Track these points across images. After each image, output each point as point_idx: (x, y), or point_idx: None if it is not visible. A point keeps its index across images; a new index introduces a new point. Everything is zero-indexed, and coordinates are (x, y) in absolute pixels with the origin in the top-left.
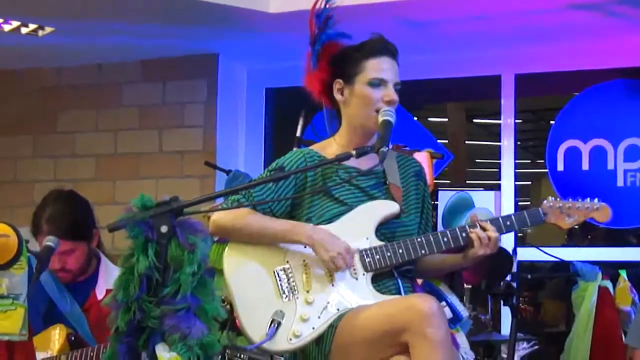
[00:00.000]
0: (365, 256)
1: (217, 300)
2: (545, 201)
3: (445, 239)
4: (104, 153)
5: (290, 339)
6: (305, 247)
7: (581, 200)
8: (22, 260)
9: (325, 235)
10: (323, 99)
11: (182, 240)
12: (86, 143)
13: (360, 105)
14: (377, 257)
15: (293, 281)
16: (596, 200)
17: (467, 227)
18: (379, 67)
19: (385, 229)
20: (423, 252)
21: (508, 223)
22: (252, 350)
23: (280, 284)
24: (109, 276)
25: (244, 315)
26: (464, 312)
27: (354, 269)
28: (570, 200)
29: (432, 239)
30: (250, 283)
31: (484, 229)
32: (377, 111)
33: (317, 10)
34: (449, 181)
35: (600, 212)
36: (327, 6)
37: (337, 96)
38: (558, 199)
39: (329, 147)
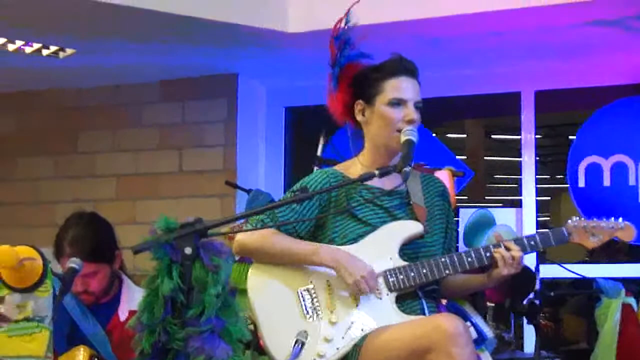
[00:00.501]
0: (389, 276)
1: (242, 322)
2: (569, 221)
3: (469, 259)
4: (124, 173)
5: (314, 359)
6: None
7: (605, 219)
8: (47, 283)
9: (349, 258)
10: (346, 120)
11: (206, 262)
12: (106, 163)
13: (381, 126)
14: (401, 277)
15: (317, 301)
16: (620, 219)
17: (491, 247)
18: (398, 86)
19: (409, 249)
20: (447, 272)
21: (532, 243)
22: None
23: (304, 304)
24: (131, 297)
25: (268, 335)
26: (488, 332)
27: (378, 290)
28: (594, 219)
29: (456, 259)
30: (274, 303)
31: (508, 249)
32: (399, 131)
33: (337, 32)
34: (467, 197)
35: (625, 231)
36: (347, 27)
37: (359, 117)
38: (582, 219)
39: (353, 167)
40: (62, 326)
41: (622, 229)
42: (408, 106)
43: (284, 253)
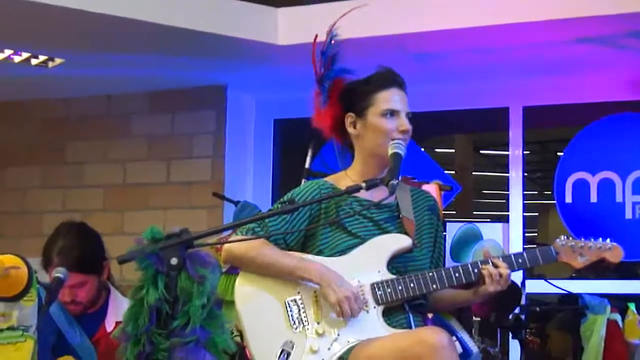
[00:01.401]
0: (376, 289)
1: (227, 333)
2: (557, 240)
3: (457, 275)
4: (113, 184)
5: None
6: None
7: (594, 239)
8: (32, 292)
9: (335, 277)
10: (334, 135)
11: (192, 273)
12: (95, 174)
13: (375, 137)
14: (389, 290)
15: (304, 312)
16: (608, 240)
17: (479, 263)
18: (390, 98)
19: (398, 262)
20: (435, 286)
21: (520, 260)
22: None
23: (291, 315)
24: (118, 308)
25: (254, 344)
26: (473, 347)
27: (365, 302)
28: (582, 239)
29: (444, 274)
30: (261, 313)
31: (495, 266)
32: (394, 140)
33: (322, 48)
34: (455, 212)
35: (613, 252)
36: (333, 42)
37: (350, 129)
38: (570, 238)
39: (343, 180)
40: (48, 336)
41: (610, 250)
42: (401, 117)
43: (270, 265)
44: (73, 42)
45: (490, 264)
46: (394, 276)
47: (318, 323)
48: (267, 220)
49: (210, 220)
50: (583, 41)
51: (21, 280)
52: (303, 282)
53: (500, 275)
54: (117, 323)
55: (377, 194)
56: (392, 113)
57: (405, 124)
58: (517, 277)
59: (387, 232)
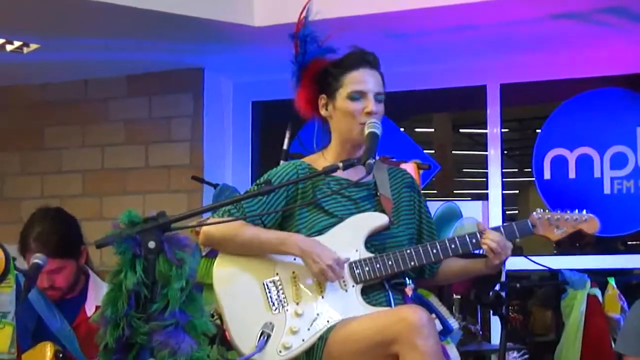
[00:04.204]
0: (354, 268)
1: (206, 316)
2: (534, 213)
3: (434, 251)
4: (91, 169)
5: (280, 351)
6: (295, 258)
7: (570, 211)
8: (10, 278)
9: (315, 246)
10: (315, 116)
11: (170, 256)
12: (73, 159)
13: (343, 119)
14: (367, 268)
15: (282, 293)
16: (584, 211)
17: (456, 239)
18: (357, 79)
19: (376, 240)
20: (412, 263)
21: None
22: None
23: (270, 296)
24: (98, 292)
25: (234, 327)
26: (453, 324)
27: (344, 281)
28: (558, 211)
29: (421, 250)
30: (239, 295)
31: (488, 237)
32: (362, 124)
33: (297, 28)
34: (436, 191)
35: (589, 223)
36: (307, 22)
37: (323, 111)
38: (547, 211)
39: (319, 160)
40: (27, 322)
41: (586, 221)
42: (368, 97)
43: (251, 242)
44: (48, 27)
45: (479, 236)
46: (371, 254)
47: (297, 304)
48: (243, 202)
49: (190, 203)
50: (559, 17)
51: None
52: (283, 258)
53: (501, 247)
54: (97, 307)
55: (356, 174)
56: (360, 94)
57: (371, 106)
58: None
59: (365, 210)
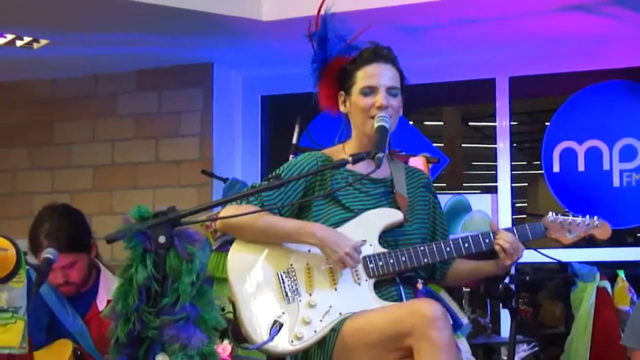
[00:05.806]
0: (368, 262)
1: (217, 310)
2: (547, 215)
3: (448, 249)
4: (101, 163)
5: (292, 341)
6: (309, 250)
7: (582, 217)
8: (21, 273)
9: (333, 234)
10: (337, 111)
11: (180, 250)
12: (83, 154)
13: (358, 115)
14: (380, 263)
15: (296, 284)
16: (596, 217)
17: (469, 237)
18: (368, 74)
19: (389, 236)
20: (426, 260)
21: None
22: (254, 350)
23: (284, 287)
24: (109, 286)
25: (247, 316)
26: (464, 318)
27: (357, 275)
28: (571, 215)
29: (435, 248)
30: (253, 285)
31: (501, 238)
32: (373, 117)
33: (311, 29)
34: (445, 184)
35: (601, 229)
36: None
37: (341, 108)
38: (560, 214)
39: (339, 153)
40: (40, 318)
41: (598, 227)
42: (379, 92)
43: (268, 229)
44: (58, 22)
45: (492, 236)
46: (385, 250)
47: (310, 295)
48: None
49: (200, 198)
50: (566, 10)
51: (9, 261)
52: (298, 248)
53: (513, 248)
54: (109, 301)
55: (370, 169)
56: (371, 89)
57: (380, 100)
58: None
59: (380, 206)
